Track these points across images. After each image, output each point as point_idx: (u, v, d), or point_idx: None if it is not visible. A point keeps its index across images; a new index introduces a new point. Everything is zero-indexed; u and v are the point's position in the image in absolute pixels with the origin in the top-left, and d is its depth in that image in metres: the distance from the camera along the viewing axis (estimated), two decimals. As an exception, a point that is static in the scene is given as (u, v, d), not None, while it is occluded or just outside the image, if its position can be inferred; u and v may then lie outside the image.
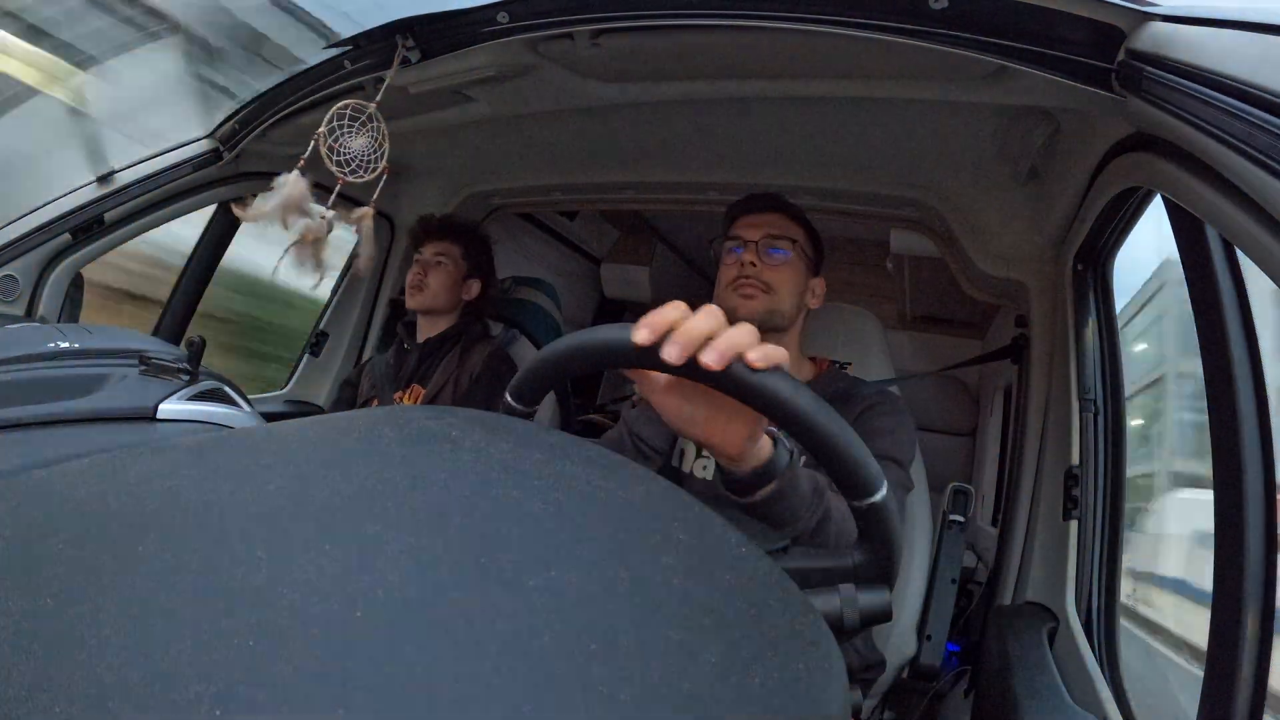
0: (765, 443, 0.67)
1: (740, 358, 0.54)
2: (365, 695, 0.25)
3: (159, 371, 1.09)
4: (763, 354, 0.54)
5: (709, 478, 1.17)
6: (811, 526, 0.73)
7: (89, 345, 1.10)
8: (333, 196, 1.20)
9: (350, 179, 1.22)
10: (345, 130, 1.22)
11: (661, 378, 0.66)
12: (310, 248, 1.20)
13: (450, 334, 1.88)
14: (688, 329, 0.55)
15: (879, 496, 0.57)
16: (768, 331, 1.23)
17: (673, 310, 0.56)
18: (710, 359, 0.53)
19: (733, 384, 0.55)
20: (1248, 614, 0.69)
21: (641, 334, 0.56)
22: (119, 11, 1.68)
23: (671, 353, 0.54)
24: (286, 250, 1.18)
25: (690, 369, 0.55)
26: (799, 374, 1.29)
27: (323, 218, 1.18)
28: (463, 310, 1.92)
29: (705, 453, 1.19)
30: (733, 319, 1.28)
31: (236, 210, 1.17)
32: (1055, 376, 1.34)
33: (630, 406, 1.35)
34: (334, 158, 1.22)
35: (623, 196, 1.96)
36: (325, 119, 1.20)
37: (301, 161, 1.17)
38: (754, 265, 1.23)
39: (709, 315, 0.56)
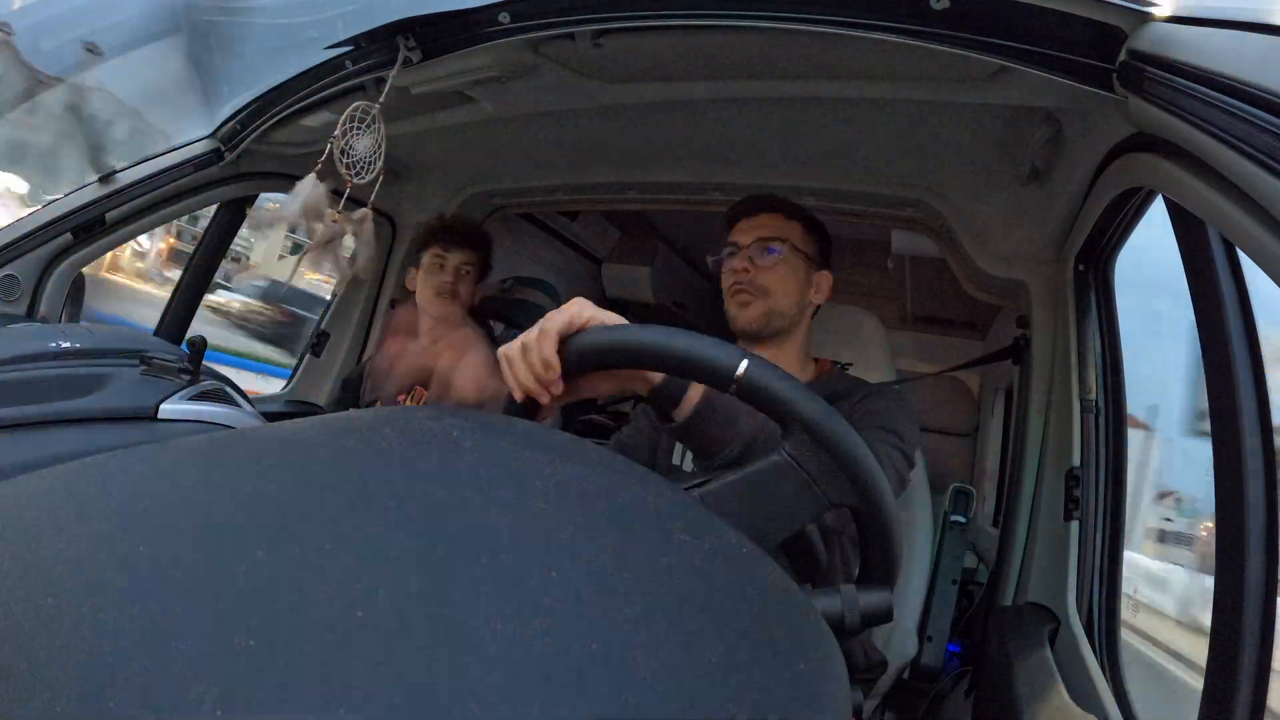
0: None
1: (532, 382, 0.66)
2: (365, 695, 0.25)
3: (160, 371, 1.09)
4: (542, 351, 0.64)
5: (686, 467, 1.19)
6: (754, 432, 0.72)
7: (90, 345, 1.10)
8: (343, 199, 1.21)
9: (355, 180, 1.23)
10: (354, 132, 1.23)
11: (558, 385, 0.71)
12: (329, 251, 1.21)
13: None
14: (519, 378, 0.67)
15: (742, 368, 0.55)
16: (769, 336, 1.23)
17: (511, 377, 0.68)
18: (539, 394, 0.67)
19: (568, 365, 0.64)
20: (1248, 615, 0.69)
21: (518, 395, 0.68)
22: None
23: (521, 395, 0.68)
24: (304, 253, 1.19)
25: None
26: (802, 375, 1.28)
27: (334, 220, 1.19)
28: (468, 313, 1.93)
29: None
30: (733, 327, 1.30)
31: (253, 214, 1.19)
32: (1056, 377, 1.34)
33: (632, 405, 1.35)
34: (344, 160, 1.22)
35: (624, 197, 1.96)
36: (340, 121, 1.20)
37: (318, 165, 1.18)
38: (746, 271, 1.23)
39: (511, 360, 0.67)
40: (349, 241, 1.24)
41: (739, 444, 0.72)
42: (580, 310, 0.65)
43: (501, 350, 0.68)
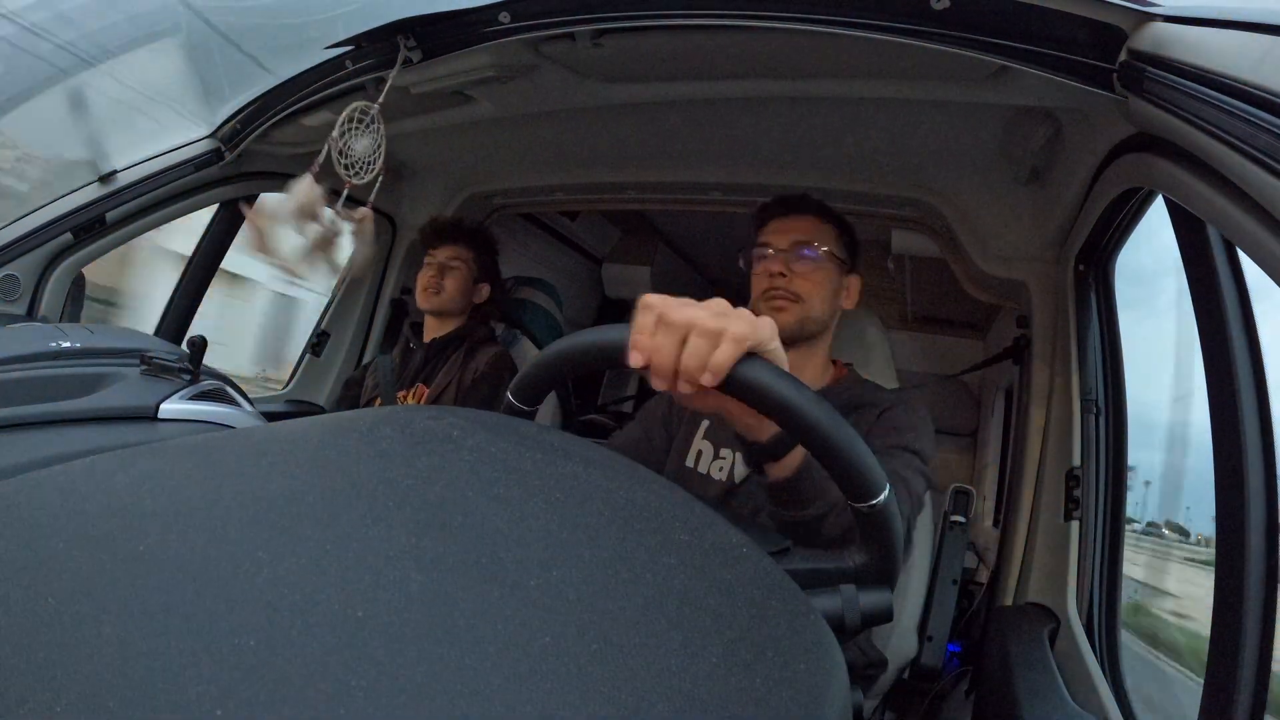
0: None
1: (706, 368, 0.57)
2: (366, 695, 0.25)
3: (160, 371, 1.09)
4: (718, 358, 0.57)
5: (723, 479, 1.15)
6: (840, 499, 0.72)
7: (90, 345, 1.10)
8: (341, 199, 1.21)
9: (354, 181, 1.23)
10: (352, 132, 1.23)
11: None
12: (325, 251, 1.21)
13: (456, 336, 1.89)
14: (659, 365, 0.59)
15: (881, 499, 0.57)
16: (800, 341, 1.21)
17: (645, 337, 0.60)
18: (707, 380, 0.57)
19: (725, 387, 0.57)
20: (1249, 614, 0.69)
21: (635, 359, 0.59)
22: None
23: (659, 384, 0.59)
24: (301, 254, 1.19)
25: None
26: (822, 378, 1.25)
27: (332, 221, 1.19)
28: (471, 313, 1.93)
29: (722, 454, 1.18)
30: None
31: (248, 213, 1.19)
32: (1056, 377, 1.34)
33: (634, 406, 1.35)
34: (342, 160, 1.22)
35: (624, 196, 1.96)
36: (339, 122, 1.21)
37: (316, 166, 1.18)
38: (783, 276, 1.19)
39: (669, 336, 0.59)
40: (346, 241, 1.24)
41: (820, 508, 0.72)
42: (770, 336, 0.59)
43: (661, 311, 0.59)
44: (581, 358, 0.64)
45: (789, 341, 1.18)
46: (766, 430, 0.68)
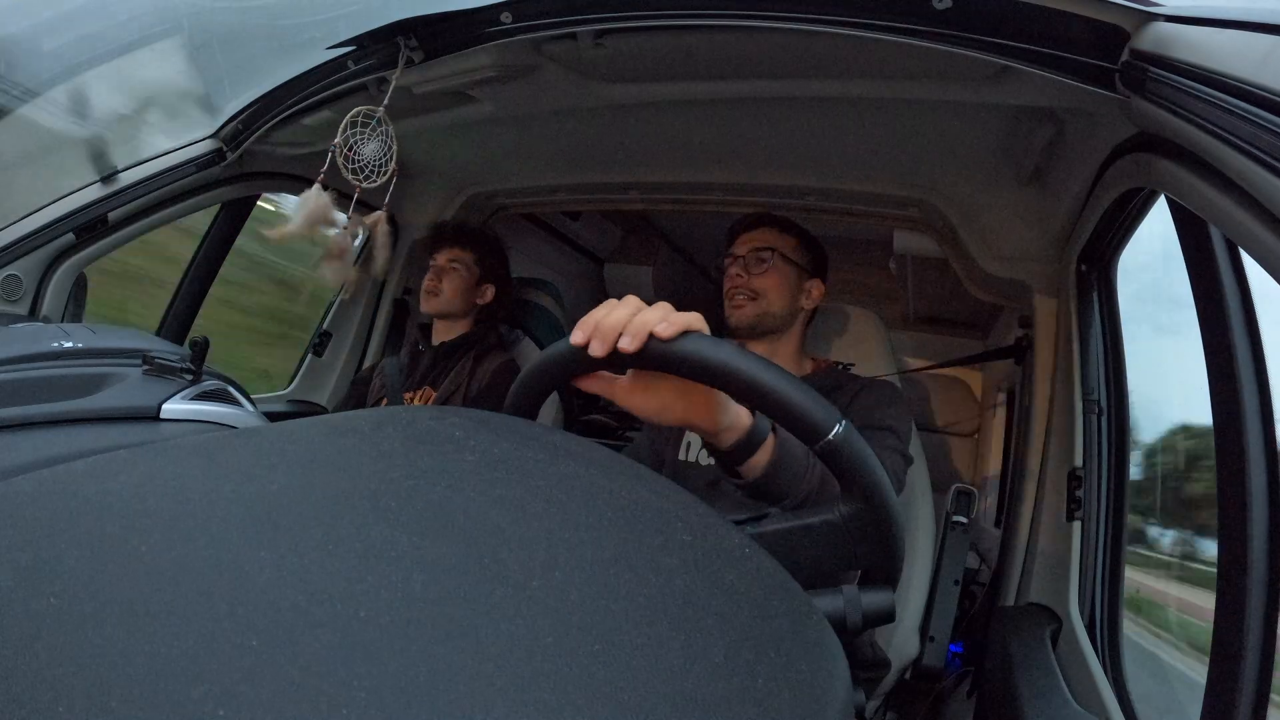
0: (743, 412, 0.69)
1: (652, 334, 0.57)
2: (369, 695, 0.25)
3: (162, 371, 1.09)
4: (669, 323, 0.57)
5: (712, 463, 1.19)
6: (815, 487, 0.73)
7: (92, 345, 1.10)
8: (352, 204, 1.21)
9: (364, 185, 1.23)
10: (358, 136, 1.23)
11: (624, 381, 0.70)
12: (340, 259, 1.22)
13: (464, 341, 1.88)
14: (603, 323, 0.59)
15: (836, 432, 0.56)
16: (763, 334, 1.34)
17: (599, 310, 0.60)
18: (624, 343, 0.57)
19: (656, 359, 0.58)
20: (1251, 614, 0.68)
21: (576, 335, 0.60)
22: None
23: (595, 348, 0.59)
24: (318, 264, 1.20)
25: (618, 359, 0.58)
26: (798, 371, 1.35)
27: (345, 228, 1.20)
28: (478, 315, 1.93)
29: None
30: (728, 325, 1.31)
31: (265, 232, 1.19)
32: (1059, 377, 1.33)
33: None
34: (349, 165, 1.23)
35: (626, 197, 1.96)
36: (340, 128, 1.21)
37: (322, 176, 1.18)
38: (741, 277, 1.36)
39: (625, 305, 0.60)
40: (358, 245, 1.25)
41: (796, 499, 0.73)
42: (699, 322, 0.60)
43: (607, 303, 0.61)
44: (546, 376, 0.66)
45: (748, 334, 1.33)
46: (725, 438, 0.69)
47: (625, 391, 0.69)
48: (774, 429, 0.71)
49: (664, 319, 0.58)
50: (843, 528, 0.60)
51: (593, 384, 0.68)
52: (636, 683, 0.29)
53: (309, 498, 0.35)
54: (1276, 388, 0.74)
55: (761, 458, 0.70)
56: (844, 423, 0.57)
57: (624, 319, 0.58)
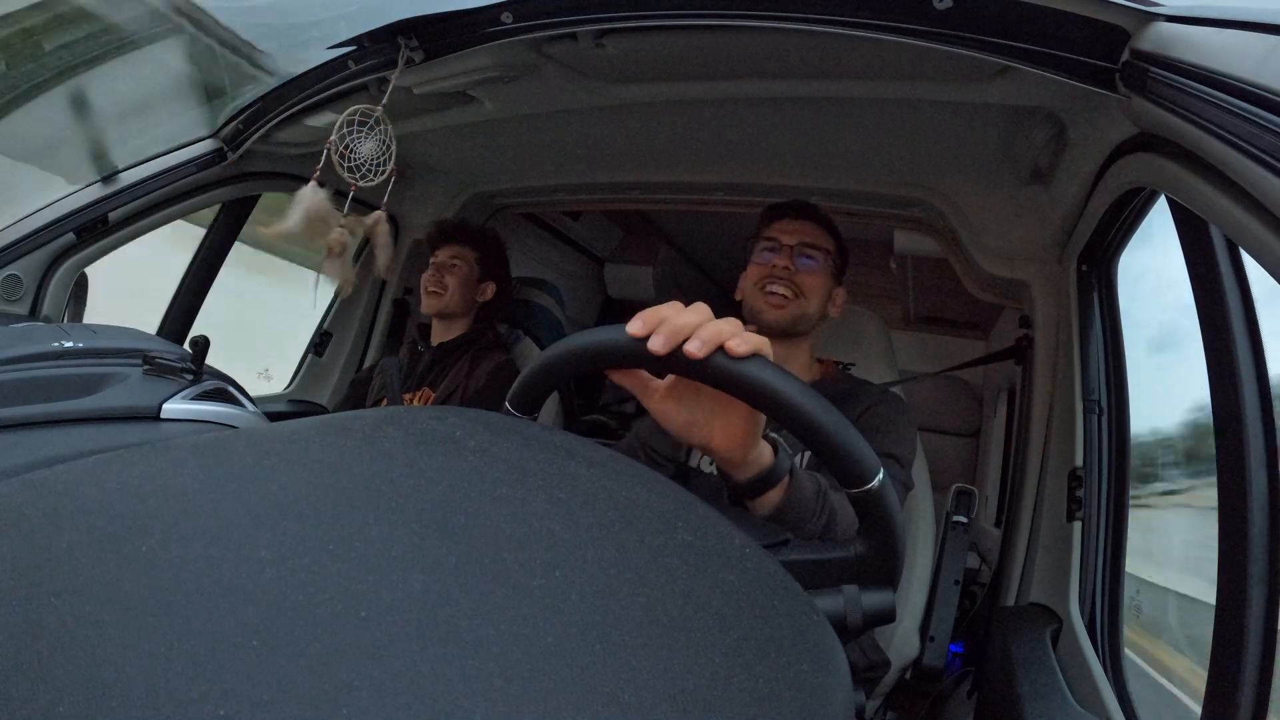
0: (766, 449, 0.68)
1: (722, 347, 0.55)
2: (369, 696, 0.25)
3: (163, 371, 1.09)
4: (743, 340, 0.55)
5: (716, 472, 1.17)
6: (818, 531, 0.73)
7: (93, 345, 1.10)
8: (348, 203, 1.21)
9: (361, 184, 1.23)
10: (355, 135, 1.23)
11: (659, 385, 0.67)
12: (339, 258, 1.21)
13: (463, 341, 1.89)
14: (673, 321, 0.56)
15: (875, 483, 0.56)
16: (791, 336, 1.26)
17: (666, 308, 0.58)
18: (693, 347, 0.55)
19: (717, 373, 0.56)
20: (1251, 613, 0.68)
21: (635, 325, 0.57)
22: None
23: (657, 342, 0.56)
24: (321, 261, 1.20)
25: (676, 361, 0.56)
26: (807, 377, 1.31)
27: (341, 225, 1.19)
28: (477, 313, 1.93)
29: None
30: (759, 322, 1.26)
31: (261, 231, 1.19)
32: (1059, 377, 1.33)
33: (638, 411, 1.36)
34: (345, 164, 1.22)
35: (627, 197, 1.96)
36: (335, 126, 1.21)
37: (317, 173, 1.18)
38: (787, 268, 1.25)
39: (696, 310, 0.58)
40: (356, 244, 1.25)
41: (799, 534, 0.72)
42: (764, 345, 0.57)
43: (673, 304, 0.59)
44: (579, 359, 0.63)
45: (783, 335, 1.26)
46: (744, 472, 0.68)
47: (658, 396, 0.67)
48: (791, 472, 0.70)
49: (736, 334, 0.56)
50: (854, 563, 0.61)
51: (626, 379, 0.66)
52: (637, 683, 0.29)
53: (309, 498, 0.35)
54: (1277, 388, 0.74)
55: (774, 497, 0.69)
56: (883, 473, 0.57)
57: (695, 323, 0.56)
